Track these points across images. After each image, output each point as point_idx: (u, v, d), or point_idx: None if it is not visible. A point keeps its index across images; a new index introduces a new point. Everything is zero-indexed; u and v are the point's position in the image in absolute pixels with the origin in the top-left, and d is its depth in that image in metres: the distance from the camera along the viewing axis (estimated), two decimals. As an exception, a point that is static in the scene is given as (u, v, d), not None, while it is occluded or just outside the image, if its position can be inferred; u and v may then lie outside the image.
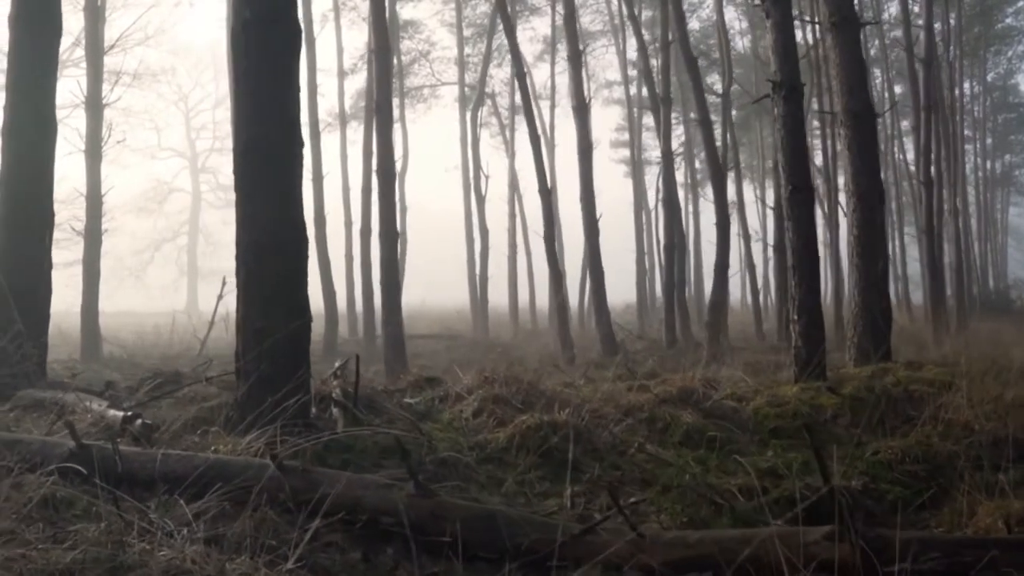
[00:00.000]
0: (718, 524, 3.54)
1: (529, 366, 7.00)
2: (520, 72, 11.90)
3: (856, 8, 7.24)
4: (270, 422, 3.40)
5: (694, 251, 27.66)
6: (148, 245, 34.69)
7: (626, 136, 29.67)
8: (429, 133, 29.12)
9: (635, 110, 26.07)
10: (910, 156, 29.85)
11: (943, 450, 4.26)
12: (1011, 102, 38.56)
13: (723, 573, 2.76)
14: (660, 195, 23.68)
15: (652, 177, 28.87)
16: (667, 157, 14.40)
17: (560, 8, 25.24)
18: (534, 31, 27.30)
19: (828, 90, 14.03)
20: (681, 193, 30.23)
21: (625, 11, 25.28)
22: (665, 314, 14.61)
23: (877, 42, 24.31)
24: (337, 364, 5.35)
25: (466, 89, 23.97)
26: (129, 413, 3.88)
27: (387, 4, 12.86)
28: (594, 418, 4.50)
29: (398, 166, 13.87)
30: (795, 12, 7.21)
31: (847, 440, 4.71)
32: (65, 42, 7.61)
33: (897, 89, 26.32)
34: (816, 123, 17.77)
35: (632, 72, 26.73)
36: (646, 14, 24.85)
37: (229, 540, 2.57)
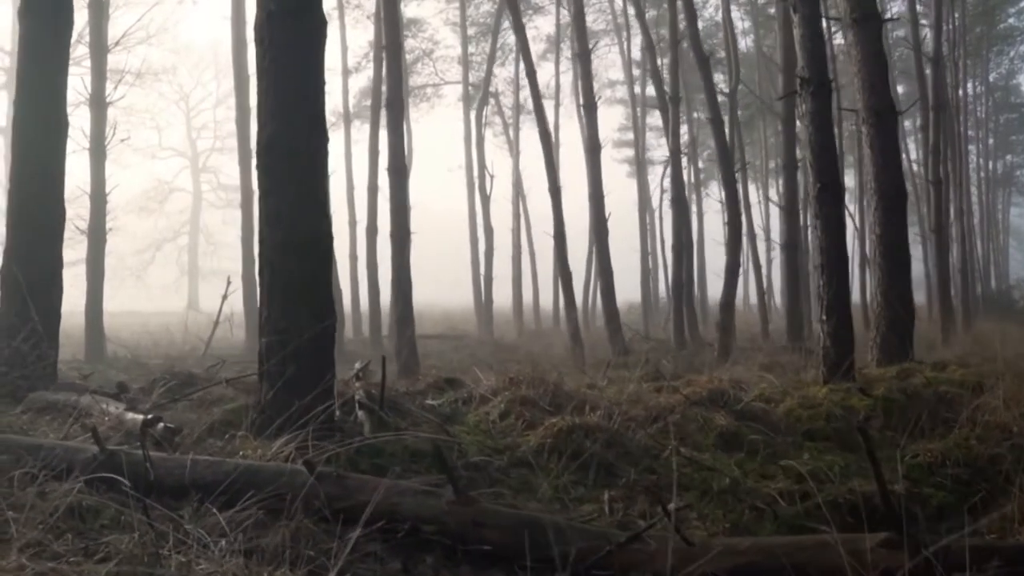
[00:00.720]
0: (761, 530, 3.43)
1: (543, 366, 6.86)
2: (530, 70, 11.78)
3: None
4: (298, 426, 3.28)
5: (698, 251, 27.57)
6: (149, 245, 34.49)
7: (628, 136, 29.59)
8: (432, 132, 29.01)
9: (639, 109, 25.96)
10: (912, 156, 29.84)
11: (984, 453, 4.14)
12: (1013, 102, 38.57)
13: (776, 583, 2.64)
14: (667, 194, 23.58)
15: (654, 177, 28.87)
16: (675, 156, 14.30)
17: (564, 8, 25.21)
18: (537, 30, 27.24)
19: (839, 87, 13.92)
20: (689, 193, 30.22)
21: (632, 10, 25.23)
22: (673, 314, 14.51)
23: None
24: (358, 366, 5.22)
25: (470, 88, 23.84)
26: (149, 416, 3.75)
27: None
28: (625, 420, 4.39)
29: (403, 165, 13.81)
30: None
31: (882, 443, 4.59)
32: (70, 38, 7.54)
33: (900, 88, 26.23)
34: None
35: (635, 71, 26.62)
36: (650, 13, 24.74)
37: (266, 551, 2.45)
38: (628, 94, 27.51)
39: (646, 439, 4.24)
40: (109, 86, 13.12)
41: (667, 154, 31.78)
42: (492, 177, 21.16)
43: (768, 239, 27.32)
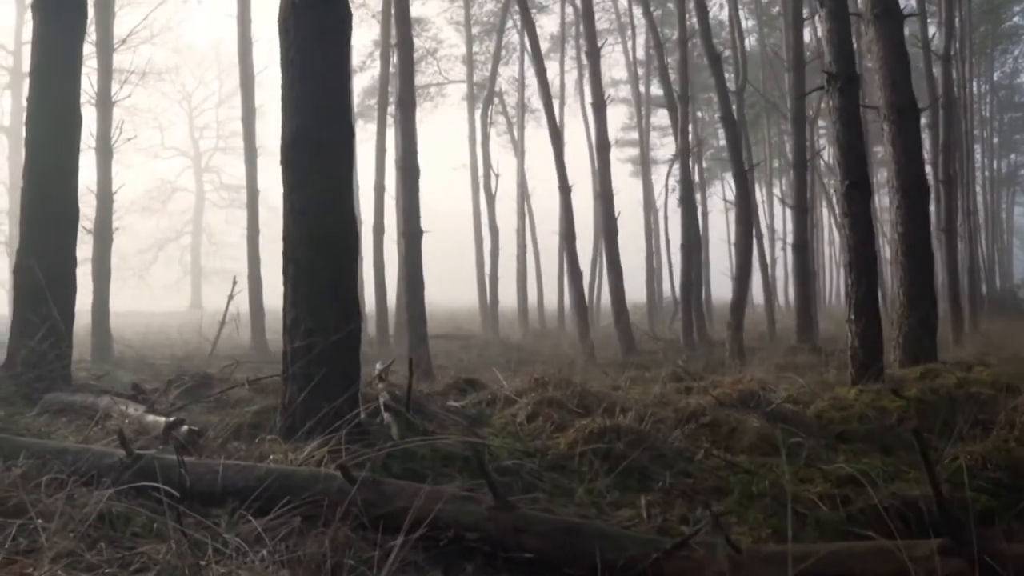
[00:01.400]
0: (804, 535, 3.32)
1: (561, 367, 6.76)
2: (540, 67, 11.68)
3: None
4: (330, 430, 3.17)
5: (703, 251, 27.49)
6: (152, 245, 34.41)
7: (631, 135, 29.48)
8: (435, 132, 28.87)
9: (643, 109, 25.86)
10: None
11: (1024, 456, 4.04)
12: (1017, 101, 38.52)
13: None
14: (675, 193, 23.46)
15: (658, 176, 28.77)
16: (684, 155, 14.21)
17: (568, 8, 25.11)
18: (541, 29, 27.05)
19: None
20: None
21: (637, 10, 25.15)
22: (682, 314, 14.42)
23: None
24: (379, 366, 5.12)
25: (474, 87, 23.74)
26: (172, 419, 3.65)
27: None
28: (655, 422, 4.29)
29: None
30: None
31: (916, 445, 4.49)
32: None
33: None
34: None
35: (639, 71, 26.52)
36: (656, 12, 24.62)
37: (306, 561, 2.34)
38: (631, 93, 27.41)
39: (678, 441, 4.14)
40: (114, 85, 13.01)
41: (671, 154, 31.75)
42: (497, 176, 21.06)
43: (772, 239, 27.23)
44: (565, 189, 11.84)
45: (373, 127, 28.02)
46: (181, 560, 2.16)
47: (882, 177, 28.08)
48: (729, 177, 36.35)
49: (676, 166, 27.97)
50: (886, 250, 16.91)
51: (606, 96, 12.38)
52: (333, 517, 2.65)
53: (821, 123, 21.92)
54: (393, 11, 9.72)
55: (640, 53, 26.31)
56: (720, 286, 27.82)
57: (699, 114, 25.27)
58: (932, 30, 18.63)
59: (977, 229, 25.74)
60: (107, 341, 12.31)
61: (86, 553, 2.23)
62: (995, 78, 35.54)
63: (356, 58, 21.28)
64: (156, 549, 2.23)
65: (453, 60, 25.72)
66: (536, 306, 24.32)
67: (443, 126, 28.26)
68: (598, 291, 24.02)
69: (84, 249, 12.92)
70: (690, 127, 25.35)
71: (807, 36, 21.89)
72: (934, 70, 16.11)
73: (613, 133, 32.77)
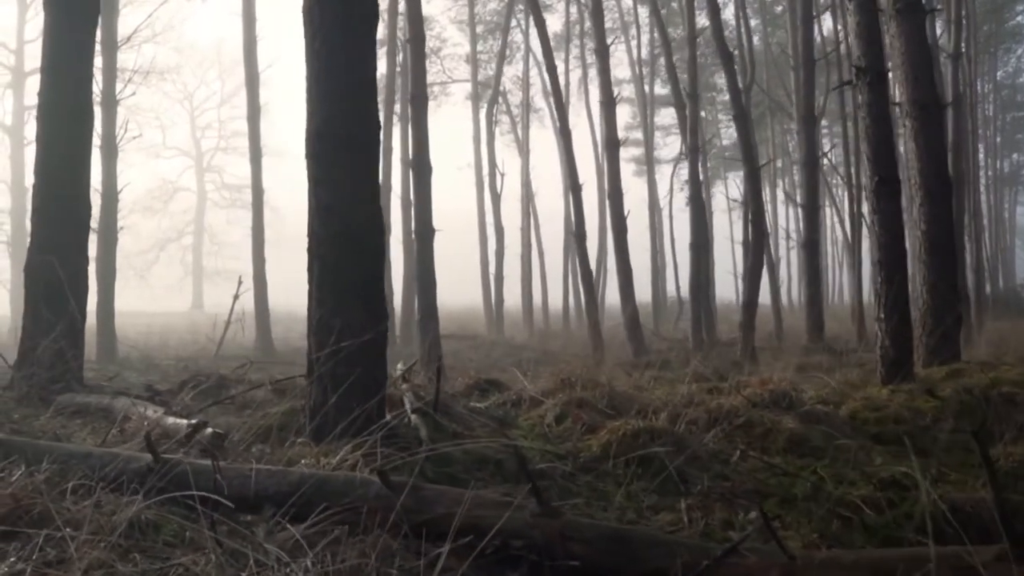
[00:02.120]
0: (851, 540, 3.22)
1: (580, 367, 6.63)
2: (550, 65, 11.56)
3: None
4: (366, 434, 3.05)
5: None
6: (153, 244, 34.27)
7: (634, 135, 29.38)
8: (438, 131, 28.73)
9: (648, 108, 25.76)
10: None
11: (1069, 458, 3.93)
12: (1019, 101, 38.44)
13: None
14: (679, 193, 23.31)
15: (661, 176, 28.67)
16: (693, 154, 14.10)
17: (573, 7, 25.00)
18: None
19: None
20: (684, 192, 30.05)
21: (642, 9, 25.05)
22: (692, 314, 14.30)
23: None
24: (400, 367, 5.00)
25: (478, 87, 23.63)
26: (195, 421, 3.53)
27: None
28: (687, 423, 4.17)
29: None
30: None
31: (955, 447, 4.39)
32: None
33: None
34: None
35: (643, 70, 26.40)
36: (662, 11, 24.51)
37: (350, 571, 2.23)
38: (635, 93, 27.30)
39: (713, 443, 4.03)
40: (118, 84, 12.89)
41: (674, 153, 31.65)
42: (503, 176, 20.94)
43: (776, 238, 27.12)
44: (575, 188, 11.73)
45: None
46: (220, 572, 2.04)
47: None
48: (732, 176, 36.35)
49: (681, 165, 27.91)
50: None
51: (603, 98, 12.27)
52: (372, 524, 2.53)
53: (824, 122, 21.78)
54: (405, 7, 9.59)
55: (644, 52, 26.22)
56: (724, 286, 27.75)
57: (702, 114, 25.13)
58: (939, 28, 18.56)
59: (981, 229, 25.65)
60: (112, 341, 12.18)
61: (119, 564, 2.11)
62: (998, 77, 35.49)
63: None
64: (194, 560, 2.11)
65: (457, 59, 25.63)
66: (540, 306, 24.19)
67: (446, 126, 28.13)
68: (603, 291, 23.91)
69: (88, 248, 12.82)
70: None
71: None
72: (942, 68, 15.99)
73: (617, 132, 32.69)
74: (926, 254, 6.67)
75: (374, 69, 3.77)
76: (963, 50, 17.31)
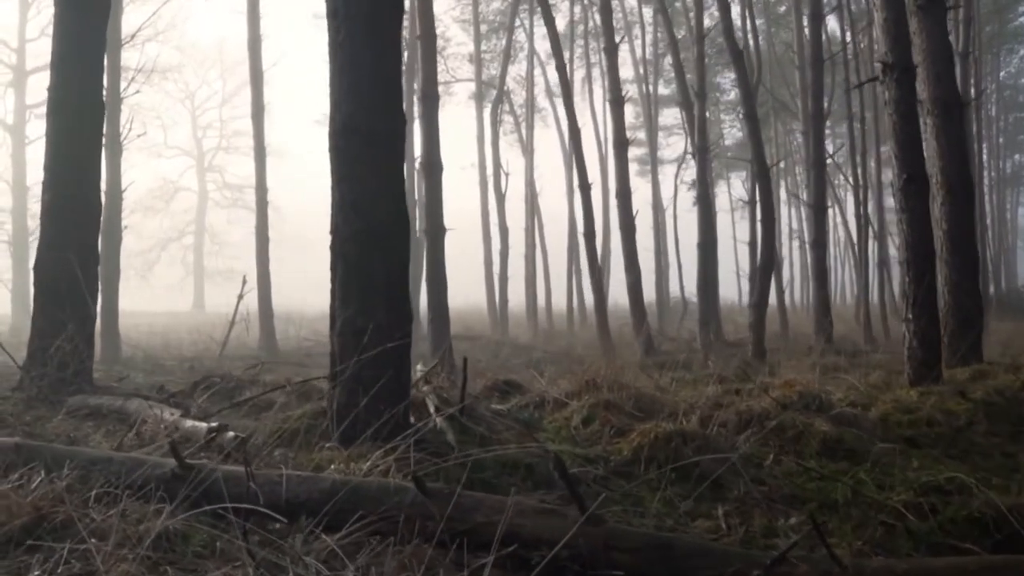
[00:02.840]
0: (897, 547, 3.11)
1: (606, 368, 6.50)
2: (560, 63, 11.45)
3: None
4: (400, 438, 2.94)
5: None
6: (154, 244, 34.12)
7: (637, 135, 29.22)
8: (440, 131, 28.59)
9: (650, 108, 25.66)
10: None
11: (1110, 461, 3.83)
12: (1022, 101, 38.38)
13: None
14: (682, 193, 23.23)
15: (663, 176, 28.56)
16: (702, 152, 14.00)
17: (577, 7, 24.89)
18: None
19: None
20: (692, 192, 29.97)
21: (646, 10, 24.97)
22: (699, 313, 14.19)
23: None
24: (420, 368, 4.89)
25: (481, 86, 23.51)
26: (215, 424, 3.42)
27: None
28: (717, 426, 4.07)
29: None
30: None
31: (989, 449, 4.29)
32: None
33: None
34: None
35: (648, 70, 26.30)
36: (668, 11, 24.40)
37: (392, 583, 2.12)
38: (638, 93, 27.20)
39: (745, 446, 3.92)
40: (121, 83, 12.75)
41: (676, 154, 31.55)
42: (507, 175, 20.83)
43: (779, 237, 27.01)
44: (584, 187, 11.62)
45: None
46: (260, 586, 1.93)
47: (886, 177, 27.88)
48: (734, 176, 36.24)
49: (685, 165, 27.80)
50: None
51: (612, 95, 12.14)
52: (411, 533, 2.42)
53: (827, 123, 21.65)
54: (416, 4, 9.47)
55: (648, 52, 26.11)
56: (726, 285, 27.62)
57: (705, 113, 25.01)
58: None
59: (984, 230, 25.55)
60: (116, 342, 12.05)
61: (150, 577, 2.00)
62: (1000, 78, 35.43)
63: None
64: (227, 574, 2.00)
65: (460, 59, 25.51)
66: (544, 306, 24.08)
67: (449, 125, 28.00)
68: (607, 290, 23.81)
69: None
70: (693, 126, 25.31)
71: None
72: (957, 67, 15.89)
73: (618, 132, 32.54)
74: (948, 253, 6.57)
75: (399, 62, 3.66)
76: (969, 50, 17.23)
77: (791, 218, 33.98)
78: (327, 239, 3.58)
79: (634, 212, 12.67)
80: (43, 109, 5.76)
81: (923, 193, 5.09)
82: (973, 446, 4.28)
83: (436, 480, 2.91)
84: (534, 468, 3.43)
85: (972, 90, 20.60)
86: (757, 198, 19.51)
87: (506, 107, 25.04)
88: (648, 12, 25.47)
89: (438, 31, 24.91)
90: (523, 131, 24.62)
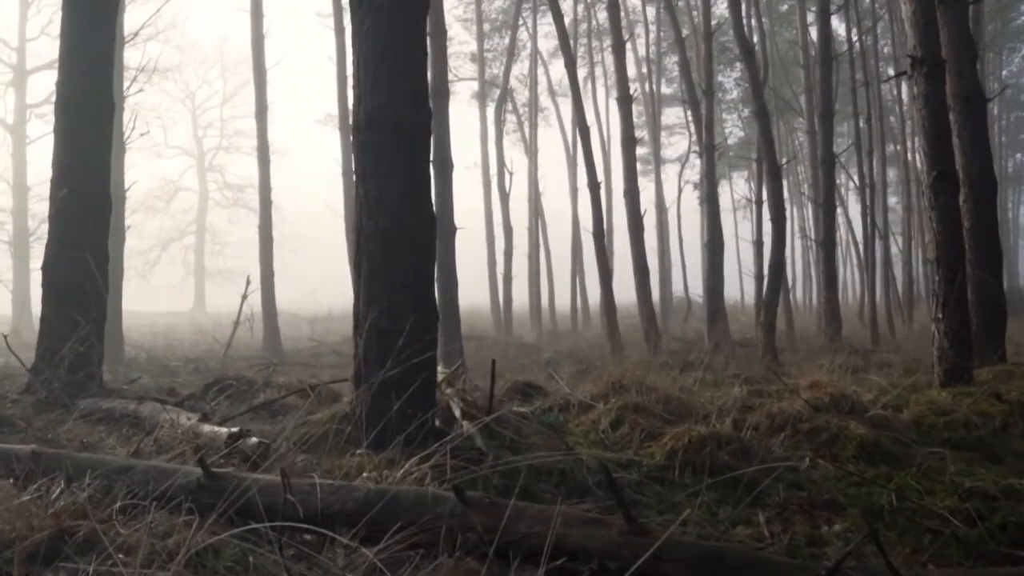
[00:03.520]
0: (947, 556, 2.99)
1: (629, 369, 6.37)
2: (569, 60, 11.33)
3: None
4: (415, 442, 2.81)
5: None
6: (155, 244, 33.95)
7: (639, 134, 29.07)
8: (442, 130, 28.38)
9: (654, 107, 25.54)
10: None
11: None
12: (1023, 100, 38.34)
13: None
14: (696, 191, 23.10)
15: (667, 176, 28.43)
16: (709, 151, 13.88)
17: (580, 5, 24.76)
18: (551, 26, 26.79)
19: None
20: (697, 192, 29.86)
21: (651, 8, 24.84)
22: (708, 314, 14.07)
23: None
24: (440, 369, 4.76)
25: (484, 85, 23.39)
26: (235, 429, 3.30)
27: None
28: (750, 429, 3.95)
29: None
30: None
31: (1027, 453, 4.18)
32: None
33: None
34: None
35: (651, 69, 26.18)
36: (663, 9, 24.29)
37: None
38: (640, 92, 27.05)
39: (780, 449, 3.81)
40: (124, 82, 12.61)
41: (679, 153, 31.41)
42: (511, 174, 20.70)
43: (791, 236, 26.92)
44: (594, 185, 11.50)
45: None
46: (302, 605, 1.80)
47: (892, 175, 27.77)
48: (736, 176, 36.13)
49: (690, 164, 27.69)
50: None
51: (614, 94, 12.05)
52: (453, 546, 2.31)
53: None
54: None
55: (650, 51, 25.99)
56: (729, 285, 27.45)
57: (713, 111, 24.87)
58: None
59: (990, 228, 25.42)
60: (119, 343, 11.91)
61: (184, 597, 1.88)
62: (1003, 76, 35.37)
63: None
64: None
65: (463, 57, 25.39)
66: (547, 306, 23.96)
67: (451, 124, 27.84)
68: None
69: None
70: (694, 125, 25.19)
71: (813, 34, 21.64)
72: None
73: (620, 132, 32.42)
74: (971, 251, 6.44)
75: (425, 53, 3.54)
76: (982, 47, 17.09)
77: (794, 217, 33.87)
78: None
79: (642, 211, 12.55)
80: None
81: (954, 190, 4.97)
82: (1011, 449, 4.17)
83: (470, 488, 2.79)
84: (567, 474, 3.31)
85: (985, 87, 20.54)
86: (764, 197, 19.44)
87: (508, 106, 24.90)
88: (651, 11, 25.34)
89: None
90: (526, 130, 24.49)
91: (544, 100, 26.69)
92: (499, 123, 21.71)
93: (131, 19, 19.06)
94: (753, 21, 17.28)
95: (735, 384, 5.34)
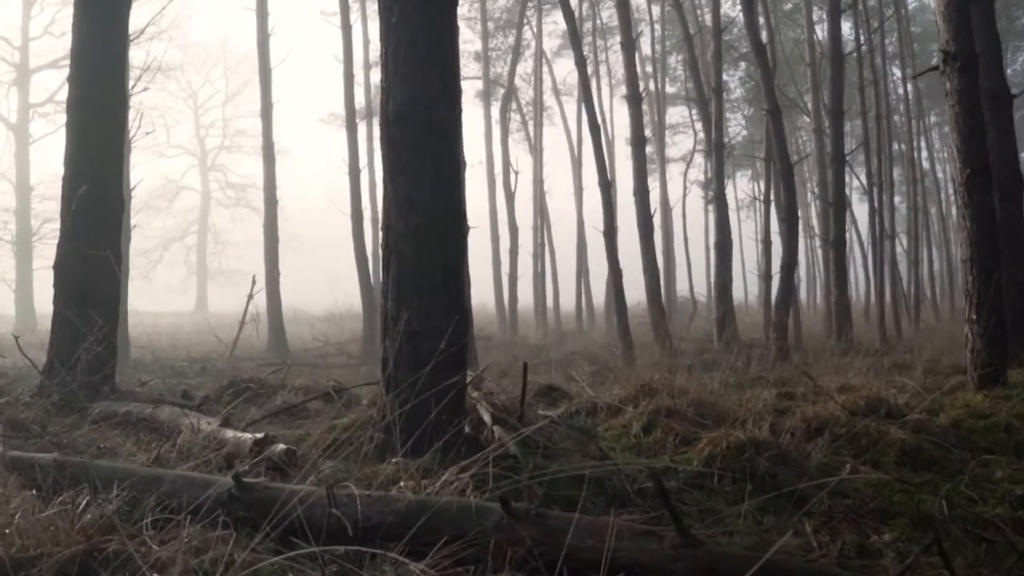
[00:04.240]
0: (1007, 567, 2.88)
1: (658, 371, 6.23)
2: (580, 59, 11.20)
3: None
4: (450, 449, 2.69)
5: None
6: (157, 244, 33.84)
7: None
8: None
9: (658, 106, 25.41)
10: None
11: None
12: (1026, 99, 38.23)
13: None
14: (691, 192, 22.95)
15: (670, 175, 28.28)
16: (719, 150, 13.74)
17: (585, 3, 24.61)
18: (555, 24, 26.69)
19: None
20: (701, 191, 29.74)
21: (656, 7, 24.72)
22: (717, 314, 13.94)
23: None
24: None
25: (489, 84, 23.27)
26: (260, 435, 3.17)
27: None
28: (786, 434, 3.83)
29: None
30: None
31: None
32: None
33: (921, 84, 25.74)
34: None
35: (654, 67, 26.06)
36: (667, 8, 24.18)
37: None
38: (644, 90, 26.91)
39: (819, 455, 3.69)
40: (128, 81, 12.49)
41: (682, 152, 31.26)
42: (517, 173, 20.57)
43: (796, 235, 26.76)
44: (605, 184, 11.37)
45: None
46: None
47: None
48: (739, 175, 35.99)
49: (692, 164, 27.52)
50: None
51: (618, 93, 11.93)
52: (503, 561, 2.19)
53: (826, 121, 21.37)
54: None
55: (656, 50, 25.87)
56: (733, 285, 27.32)
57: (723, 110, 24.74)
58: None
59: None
60: (125, 343, 11.78)
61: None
62: (1007, 75, 35.27)
63: (372, 53, 20.77)
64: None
65: (467, 56, 25.23)
66: (552, 306, 23.84)
67: (455, 123, 27.65)
68: (608, 290, 23.59)
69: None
70: (700, 124, 25.07)
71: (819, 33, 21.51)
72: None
73: (624, 131, 32.33)
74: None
75: (457, 45, 3.42)
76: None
77: (798, 216, 33.69)
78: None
79: (653, 211, 12.42)
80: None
81: (988, 187, 4.85)
82: (1054, 454, 4.05)
83: (528, 499, 2.68)
84: (603, 481, 3.19)
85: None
86: (772, 196, 19.30)
87: (512, 105, 24.77)
88: (656, 10, 25.21)
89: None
90: (530, 129, 24.37)
91: (548, 99, 26.58)
92: (504, 122, 21.59)
93: (135, 18, 18.95)
94: (761, 19, 17.16)
95: (762, 386, 5.22)
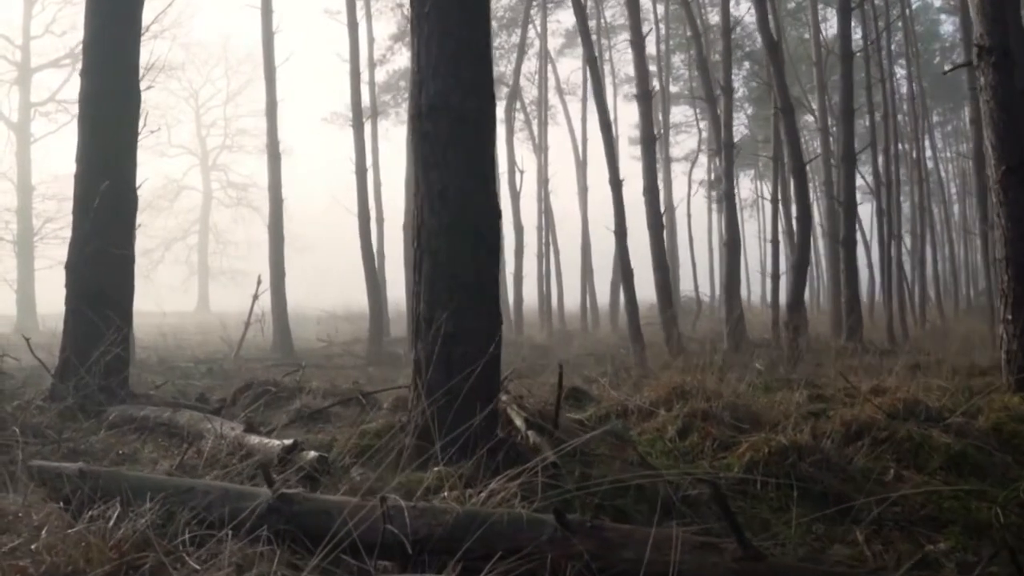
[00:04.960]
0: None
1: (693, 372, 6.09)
2: (590, 55, 11.08)
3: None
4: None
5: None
6: (158, 244, 33.67)
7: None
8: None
9: (663, 105, 25.29)
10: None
11: None
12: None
13: None
14: (697, 192, 22.84)
15: (674, 174, 28.20)
16: (728, 149, 13.62)
17: (589, 2, 24.46)
18: (559, 23, 26.59)
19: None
20: (701, 190, 29.66)
21: (660, 6, 24.61)
22: (726, 314, 13.82)
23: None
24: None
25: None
26: (288, 442, 3.05)
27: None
28: (824, 437, 3.71)
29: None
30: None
31: None
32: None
33: (925, 84, 25.64)
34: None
35: (660, 66, 25.94)
36: (674, 7, 24.08)
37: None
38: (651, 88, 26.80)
39: (861, 460, 3.57)
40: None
41: (686, 151, 31.14)
42: (522, 173, 20.46)
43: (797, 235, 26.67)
44: (616, 183, 11.26)
45: (387, 123, 27.48)
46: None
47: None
48: (742, 175, 35.90)
49: (698, 163, 27.41)
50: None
51: (621, 93, 11.82)
52: (556, 574, 2.07)
53: (829, 120, 21.28)
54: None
55: (659, 49, 25.75)
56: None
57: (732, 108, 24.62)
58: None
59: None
60: (131, 344, 11.64)
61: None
62: (1011, 74, 35.16)
63: (376, 51, 20.65)
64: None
65: (469, 55, 25.06)
66: (556, 306, 23.74)
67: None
68: (611, 291, 23.50)
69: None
70: (705, 123, 25.01)
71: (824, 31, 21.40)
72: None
73: (626, 130, 32.23)
74: (1024, 250, 6.19)
75: (490, 35, 3.30)
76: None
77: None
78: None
79: (662, 210, 12.30)
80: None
81: (1023, 184, 4.73)
82: (1099, 459, 3.94)
83: (581, 511, 2.56)
84: (644, 489, 3.08)
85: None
86: (780, 195, 19.17)
87: (516, 105, 24.65)
88: (660, 9, 25.08)
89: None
90: (535, 129, 24.25)
91: (552, 98, 26.46)
92: (509, 121, 21.48)
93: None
94: (769, 17, 17.05)
95: (790, 388, 5.10)
